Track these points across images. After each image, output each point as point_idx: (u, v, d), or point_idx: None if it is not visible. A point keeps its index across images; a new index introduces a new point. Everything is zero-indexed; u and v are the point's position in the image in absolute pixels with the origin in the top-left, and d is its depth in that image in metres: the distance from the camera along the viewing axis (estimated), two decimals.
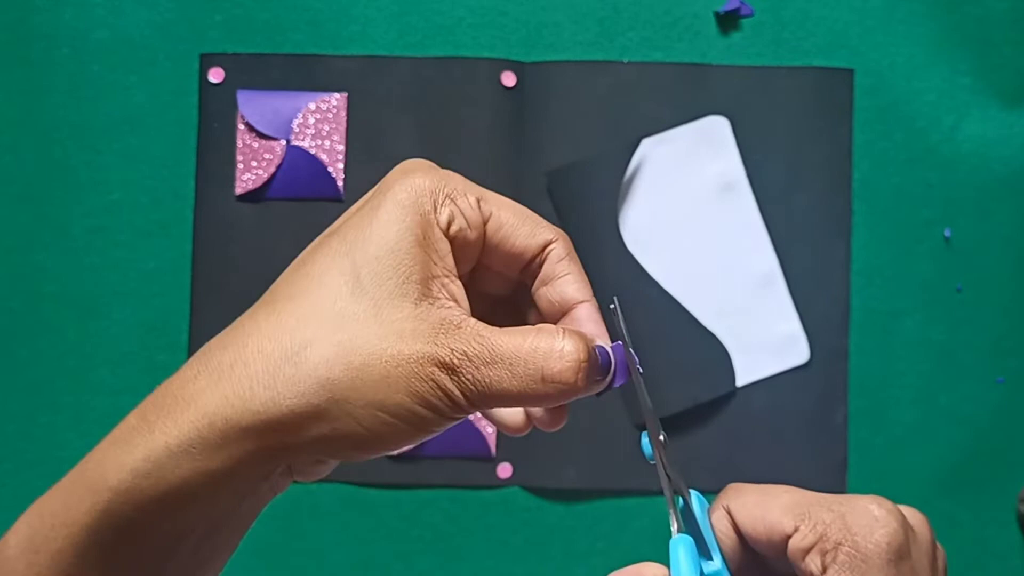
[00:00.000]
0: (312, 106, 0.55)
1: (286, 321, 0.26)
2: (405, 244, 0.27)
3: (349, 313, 0.26)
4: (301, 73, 0.56)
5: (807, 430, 0.55)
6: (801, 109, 0.56)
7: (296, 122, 0.55)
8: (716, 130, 0.56)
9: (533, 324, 0.28)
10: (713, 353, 0.55)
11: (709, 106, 0.56)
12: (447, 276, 0.28)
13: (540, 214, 0.31)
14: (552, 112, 0.56)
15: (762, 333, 0.56)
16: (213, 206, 0.55)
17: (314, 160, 0.55)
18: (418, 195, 0.28)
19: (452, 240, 0.28)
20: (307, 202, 0.56)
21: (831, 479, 0.55)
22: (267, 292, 0.28)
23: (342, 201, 0.55)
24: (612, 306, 0.31)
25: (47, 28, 0.55)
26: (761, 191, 0.56)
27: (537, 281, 0.30)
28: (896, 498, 0.58)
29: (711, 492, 0.57)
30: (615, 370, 0.29)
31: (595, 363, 0.27)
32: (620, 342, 0.30)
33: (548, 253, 0.30)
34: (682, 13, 0.56)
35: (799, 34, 0.56)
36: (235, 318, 0.28)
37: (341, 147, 0.55)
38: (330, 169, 0.55)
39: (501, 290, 0.32)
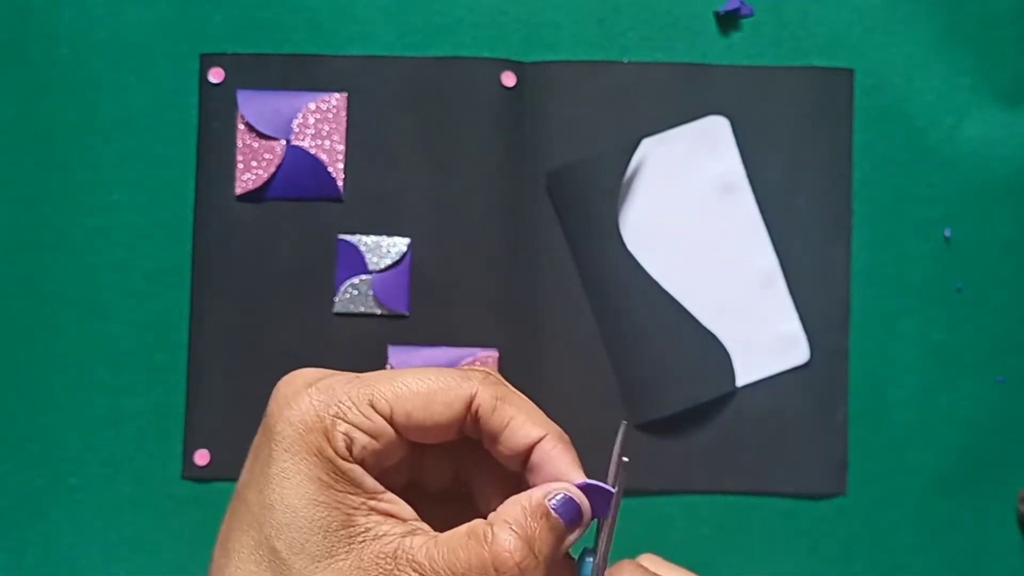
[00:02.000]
0: (312, 106, 0.55)
1: None
2: (309, 498, 0.25)
3: None
4: (301, 73, 0.56)
5: (807, 430, 0.55)
6: (801, 109, 0.56)
7: (296, 122, 0.55)
8: (716, 130, 0.56)
9: (493, 478, 0.28)
10: (713, 353, 0.55)
11: (709, 106, 0.56)
12: (371, 498, 0.26)
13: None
14: (552, 112, 0.56)
15: (762, 333, 0.56)
16: (213, 206, 0.55)
17: (314, 160, 0.55)
18: (304, 433, 0.26)
19: (360, 460, 0.26)
20: (307, 202, 0.56)
21: (831, 479, 0.55)
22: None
23: (342, 201, 0.55)
24: (621, 429, 0.30)
25: (47, 28, 0.55)
26: (761, 191, 0.56)
27: (485, 438, 0.29)
28: (896, 498, 0.58)
29: (710, 492, 0.57)
30: (589, 516, 0.28)
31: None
32: (589, 481, 0.28)
33: (476, 409, 0.28)
34: (682, 13, 0.56)
35: (799, 34, 0.56)
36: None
37: (341, 147, 0.56)
38: (330, 169, 0.55)
39: (446, 462, 0.30)
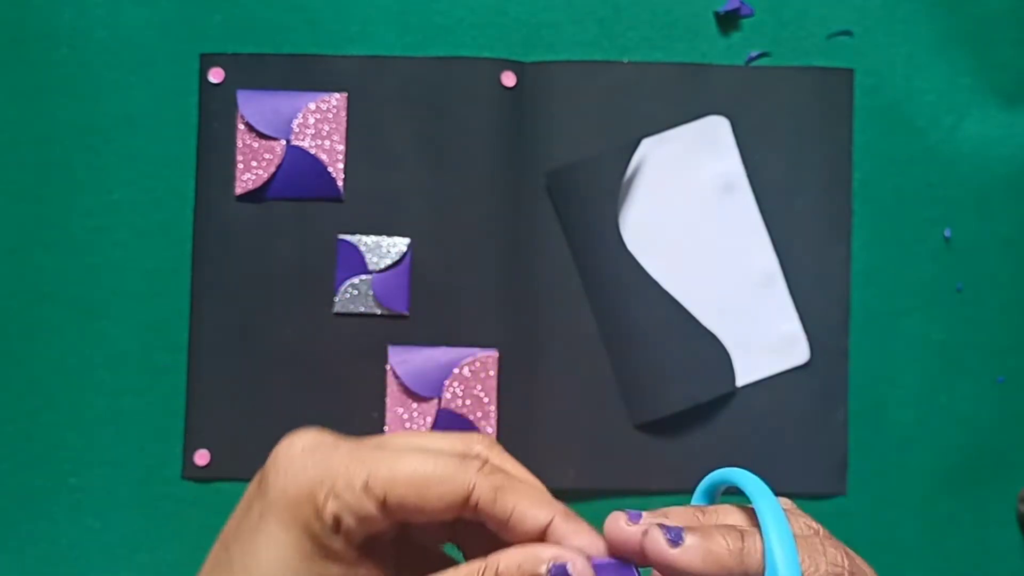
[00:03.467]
0: (312, 106, 0.55)
1: None
2: (289, 566, 0.26)
3: None
4: (301, 73, 0.56)
5: (807, 430, 0.55)
6: (801, 109, 0.56)
7: (296, 122, 0.55)
8: (716, 130, 0.56)
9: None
10: (713, 353, 0.55)
11: (709, 106, 0.56)
12: (349, 569, 0.26)
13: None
14: (552, 112, 0.56)
15: (762, 333, 0.56)
16: (213, 206, 0.55)
17: (314, 160, 0.55)
18: (295, 504, 0.26)
19: (346, 533, 0.27)
20: (307, 202, 0.56)
21: (831, 479, 0.55)
22: None
23: (342, 201, 0.56)
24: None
25: (47, 28, 0.56)
26: (761, 191, 0.56)
27: (489, 525, 0.28)
28: (896, 498, 0.58)
29: None
30: None
31: None
32: (608, 560, 0.27)
33: (475, 503, 0.27)
34: (682, 13, 0.56)
35: (799, 34, 0.56)
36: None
37: (341, 147, 0.56)
38: (330, 169, 0.55)
39: (443, 532, 0.30)
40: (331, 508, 0.26)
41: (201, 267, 0.55)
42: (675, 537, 0.27)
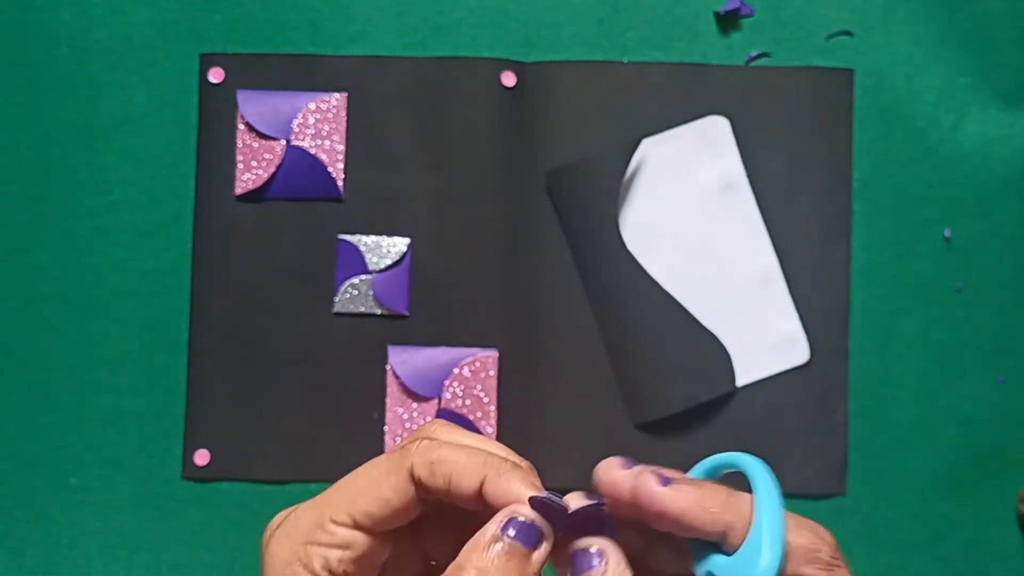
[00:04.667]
0: (312, 106, 0.55)
1: None
2: None
3: None
4: (301, 73, 0.56)
5: (807, 430, 0.55)
6: (801, 109, 0.56)
7: (296, 122, 0.55)
8: (716, 130, 0.56)
9: None
10: (713, 353, 0.55)
11: (709, 106, 0.56)
12: None
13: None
14: (552, 112, 0.56)
15: (762, 333, 0.56)
16: (213, 206, 0.55)
17: (314, 160, 0.55)
18: (285, 567, 0.28)
19: (341, 572, 0.28)
20: (307, 202, 0.56)
21: (831, 479, 0.55)
22: None
23: (342, 201, 0.55)
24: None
25: (47, 28, 0.56)
26: (761, 191, 0.56)
27: (443, 499, 0.29)
28: (896, 498, 0.58)
29: None
30: (549, 529, 0.28)
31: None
32: (542, 496, 0.28)
33: (419, 480, 0.29)
34: (682, 13, 0.56)
35: (799, 34, 0.56)
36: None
37: (341, 147, 0.56)
38: (330, 169, 0.55)
39: (414, 551, 0.32)
40: (316, 554, 0.28)
41: (201, 267, 0.55)
42: (665, 482, 0.28)
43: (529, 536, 0.27)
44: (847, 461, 0.55)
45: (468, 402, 0.54)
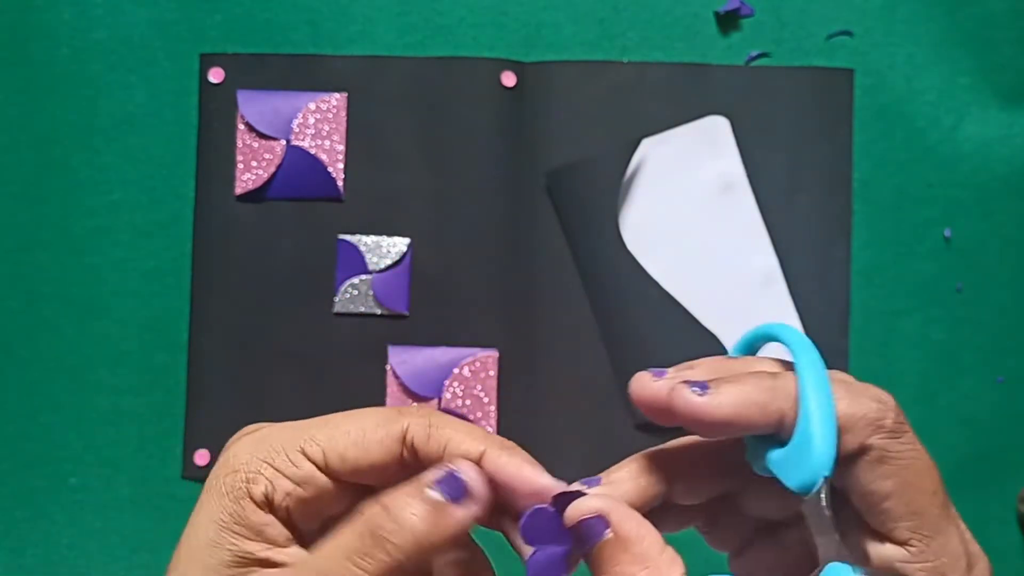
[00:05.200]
0: (312, 106, 0.55)
1: None
2: (211, 534, 0.26)
3: None
4: (301, 73, 0.56)
5: None
6: (801, 109, 0.56)
7: (296, 122, 0.55)
8: (716, 130, 0.56)
9: None
10: (713, 353, 0.55)
11: (709, 106, 0.56)
12: (270, 549, 0.26)
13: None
14: (552, 112, 0.56)
15: None
16: (213, 206, 0.55)
17: (314, 160, 0.55)
18: (227, 474, 0.27)
19: (283, 508, 0.26)
20: (307, 202, 0.56)
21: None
22: None
23: (342, 201, 0.55)
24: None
25: (47, 28, 0.55)
26: (761, 191, 0.56)
27: (426, 463, 0.27)
28: None
29: None
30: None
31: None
32: (564, 490, 0.26)
33: (410, 441, 0.27)
34: (682, 13, 0.56)
35: (799, 34, 0.56)
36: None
37: (341, 147, 0.56)
38: (330, 169, 0.55)
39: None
40: (266, 474, 0.26)
41: (201, 267, 0.55)
42: (702, 389, 0.26)
43: (454, 491, 0.25)
44: None
45: (468, 402, 0.54)
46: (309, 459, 0.27)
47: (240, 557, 0.26)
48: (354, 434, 0.27)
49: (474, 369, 0.55)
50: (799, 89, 0.56)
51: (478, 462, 0.26)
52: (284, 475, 0.27)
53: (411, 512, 0.24)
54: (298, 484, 0.27)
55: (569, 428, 0.55)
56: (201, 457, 0.55)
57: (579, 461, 0.55)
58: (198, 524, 0.27)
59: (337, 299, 0.55)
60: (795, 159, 0.56)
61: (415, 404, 0.55)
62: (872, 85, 0.56)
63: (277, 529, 0.26)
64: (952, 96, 0.56)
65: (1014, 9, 0.56)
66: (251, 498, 0.26)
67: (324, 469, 0.27)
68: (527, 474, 0.27)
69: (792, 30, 0.56)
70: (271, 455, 0.27)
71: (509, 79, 0.55)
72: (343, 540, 0.25)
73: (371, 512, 0.25)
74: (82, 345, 0.55)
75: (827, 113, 0.56)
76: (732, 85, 0.56)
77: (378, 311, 0.55)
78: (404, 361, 0.55)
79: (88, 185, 0.55)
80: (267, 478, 0.26)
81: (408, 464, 0.27)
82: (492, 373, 0.55)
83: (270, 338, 0.55)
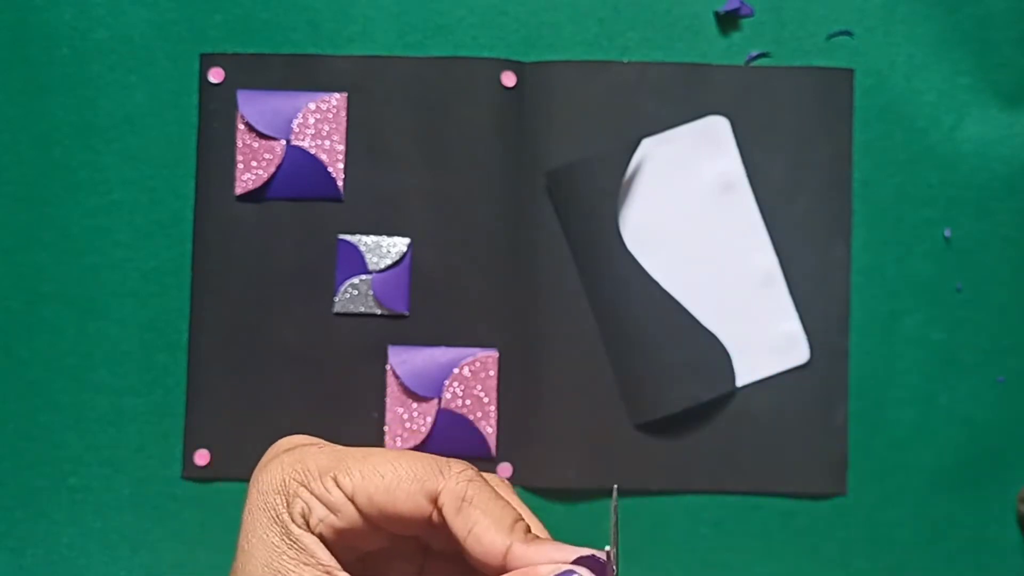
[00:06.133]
0: (312, 106, 0.55)
1: None
2: (264, 562, 0.26)
3: None
4: (301, 73, 0.56)
5: (807, 430, 0.55)
6: (801, 109, 0.56)
7: (296, 122, 0.55)
8: (716, 130, 0.56)
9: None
10: (713, 353, 0.55)
11: (709, 106, 0.56)
12: (325, 571, 0.26)
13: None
14: (552, 112, 0.56)
15: (762, 333, 0.56)
16: (213, 206, 0.55)
17: (314, 160, 0.55)
18: (267, 495, 0.27)
19: (319, 533, 0.26)
20: (307, 202, 0.56)
21: (831, 479, 0.55)
22: None
23: (342, 201, 0.56)
24: (614, 495, 0.28)
25: (47, 28, 0.55)
26: (761, 191, 0.56)
27: (452, 540, 0.27)
28: (896, 498, 0.58)
29: (710, 492, 0.57)
30: None
31: None
32: (583, 554, 0.26)
33: (440, 507, 0.27)
34: (682, 13, 0.56)
35: (799, 34, 0.56)
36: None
37: (341, 147, 0.56)
38: (330, 169, 0.55)
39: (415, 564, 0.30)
40: (303, 497, 0.26)
41: (201, 267, 0.55)
42: None
43: None
44: (847, 461, 0.55)
45: (468, 402, 0.54)
46: (341, 489, 0.27)
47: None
48: (388, 480, 0.26)
49: (474, 369, 0.55)
50: (799, 89, 0.56)
51: (503, 558, 0.26)
52: (318, 499, 0.26)
53: None
54: (331, 511, 0.26)
55: (569, 428, 0.55)
56: (201, 457, 0.55)
57: (579, 461, 0.55)
58: (251, 554, 0.26)
59: (337, 299, 0.55)
60: (795, 159, 0.56)
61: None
62: (872, 85, 0.56)
63: (323, 552, 0.26)
64: (952, 96, 0.56)
65: (1014, 9, 0.56)
66: (292, 519, 0.26)
67: (352, 502, 0.27)
68: (554, 556, 0.26)
69: (792, 30, 0.56)
70: (307, 478, 0.27)
71: (509, 79, 0.55)
72: None
73: None
74: (82, 345, 0.55)
75: (827, 113, 0.56)
76: (732, 85, 0.56)
77: (378, 311, 0.55)
78: (404, 361, 0.55)
79: (88, 185, 0.55)
80: (304, 501, 0.26)
81: (436, 524, 0.27)
82: (492, 373, 0.55)
83: (270, 338, 0.55)
